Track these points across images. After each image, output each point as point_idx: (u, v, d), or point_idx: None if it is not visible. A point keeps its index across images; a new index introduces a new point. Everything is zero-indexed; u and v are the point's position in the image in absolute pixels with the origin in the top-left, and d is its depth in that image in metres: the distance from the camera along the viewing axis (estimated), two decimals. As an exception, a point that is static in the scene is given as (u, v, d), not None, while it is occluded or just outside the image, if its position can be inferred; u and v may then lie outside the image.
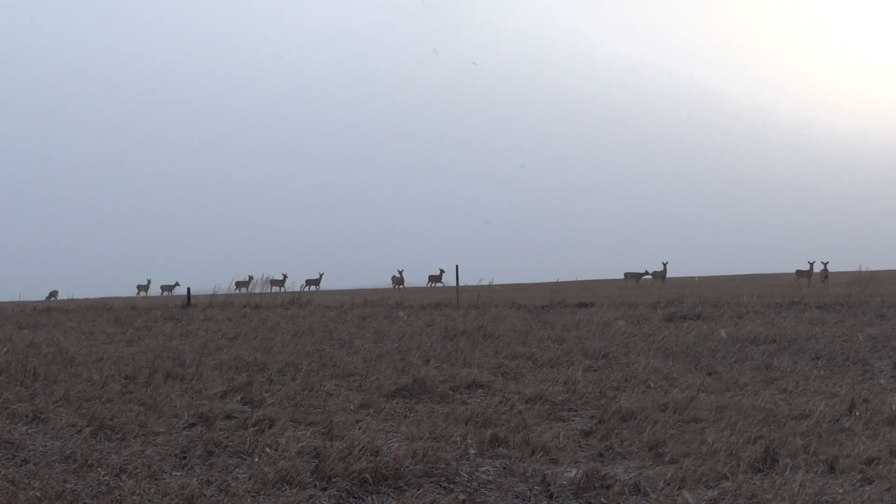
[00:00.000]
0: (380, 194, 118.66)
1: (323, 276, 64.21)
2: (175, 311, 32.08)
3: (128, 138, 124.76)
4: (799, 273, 52.56)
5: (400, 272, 61.43)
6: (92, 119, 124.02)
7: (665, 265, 56.88)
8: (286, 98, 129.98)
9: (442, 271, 61.76)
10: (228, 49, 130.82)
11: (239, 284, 60.52)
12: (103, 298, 49.46)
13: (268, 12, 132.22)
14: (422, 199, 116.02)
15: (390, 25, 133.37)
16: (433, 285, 61.99)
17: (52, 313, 33.02)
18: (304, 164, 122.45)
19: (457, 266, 41.01)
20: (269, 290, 60.24)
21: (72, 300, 48.01)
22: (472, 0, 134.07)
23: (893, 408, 11.80)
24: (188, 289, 42.35)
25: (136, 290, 66.03)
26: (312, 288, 62.93)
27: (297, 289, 59.54)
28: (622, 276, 58.47)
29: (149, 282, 66.33)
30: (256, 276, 57.16)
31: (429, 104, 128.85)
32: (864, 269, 49.87)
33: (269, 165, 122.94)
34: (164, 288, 65.38)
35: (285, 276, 62.15)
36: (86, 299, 48.36)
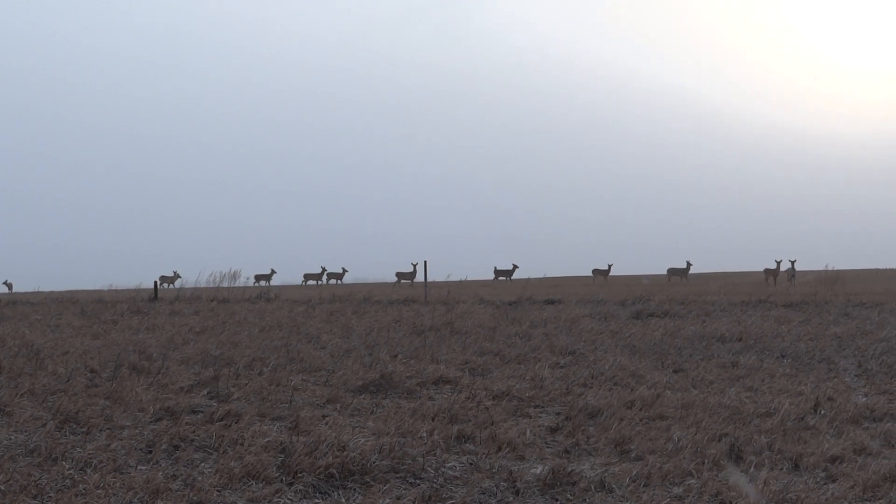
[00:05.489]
0: (348, 193, 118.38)
1: (274, 273, 63.61)
2: (141, 304, 31.94)
3: (87, 132, 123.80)
4: (767, 271, 52.84)
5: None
6: (48, 112, 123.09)
7: (689, 263, 56.70)
8: (278, 100, 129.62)
9: (515, 266, 59.83)
10: (199, 45, 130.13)
11: (259, 277, 60.22)
12: (69, 291, 49.17)
13: (252, 13, 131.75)
14: (390, 197, 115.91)
15: (376, 29, 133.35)
16: (507, 279, 59.40)
17: (17, 306, 32.80)
18: (270, 161, 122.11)
19: (425, 262, 41.04)
20: (305, 284, 60.36)
21: (37, 293, 47.66)
22: (462, 6, 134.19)
23: (857, 406, 11.90)
24: (155, 282, 42.07)
25: (160, 282, 62.92)
26: (263, 283, 62.35)
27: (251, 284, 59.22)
28: (664, 272, 57.88)
29: (175, 273, 61.94)
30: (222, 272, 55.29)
31: (404, 105, 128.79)
32: (830, 268, 50.23)
33: (239, 162, 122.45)
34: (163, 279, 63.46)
35: (324, 270, 62.57)
36: (52, 292, 48.05)
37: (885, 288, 39.07)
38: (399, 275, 58.68)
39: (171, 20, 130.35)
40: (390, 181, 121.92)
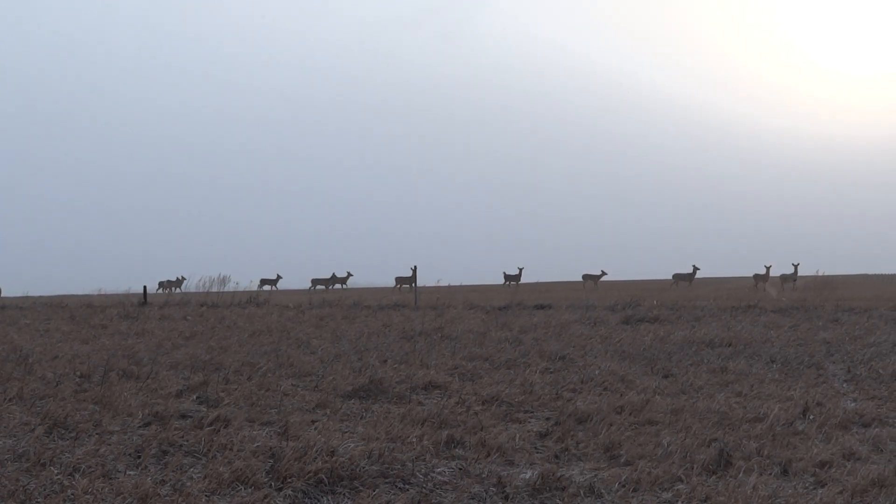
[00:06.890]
0: (339, 194, 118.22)
1: (280, 279, 63.40)
2: (131, 309, 31.89)
3: (79, 134, 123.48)
4: (756, 277, 52.85)
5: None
6: (39, 114, 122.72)
7: (695, 268, 56.17)
8: (279, 104, 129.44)
9: (520, 269, 59.70)
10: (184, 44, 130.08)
11: (264, 282, 60.01)
12: (58, 296, 49.07)
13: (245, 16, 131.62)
14: (383, 200, 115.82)
15: (377, 33, 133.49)
16: (517, 284, 59.26)
17: (5, 310, 32.73)
18: (256, 161, 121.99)
19: (415, 267, 41.04)
20: (314, 289, 60.13)
21: (26, 297, 47.55)
22: (463, 11, 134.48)
23: (846, 411, 11.92)
24: (144, 287, 41.95)
25: (157, 287, 61.41)
26: (267, 287, 62.22)
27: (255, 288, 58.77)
28: (670, 278, 57.41)
29: (178, 279, 59.29)
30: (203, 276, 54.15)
31: (393, 107, 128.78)
32: (820, 273, 50.31)
33: (237, 165, 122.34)
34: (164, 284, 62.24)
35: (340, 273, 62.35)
36: (41, 297, 47.95)
37: (874, 293, 39.17)
38: (398, 280, 58.45)
39: (168, 20, 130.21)
40: (384, 184, 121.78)
